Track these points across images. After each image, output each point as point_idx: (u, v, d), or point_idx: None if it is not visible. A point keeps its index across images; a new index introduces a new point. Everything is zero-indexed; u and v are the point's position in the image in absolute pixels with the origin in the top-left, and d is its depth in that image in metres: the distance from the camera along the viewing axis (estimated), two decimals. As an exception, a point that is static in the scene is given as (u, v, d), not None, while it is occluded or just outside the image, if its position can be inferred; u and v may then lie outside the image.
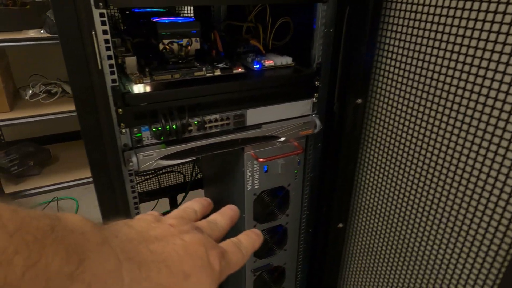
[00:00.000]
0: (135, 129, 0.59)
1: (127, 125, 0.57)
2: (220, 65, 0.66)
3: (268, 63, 0.71)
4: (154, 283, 0.20)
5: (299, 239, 0.89)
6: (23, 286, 0.15)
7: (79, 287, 0.16)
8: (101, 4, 0.48)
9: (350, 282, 0.85)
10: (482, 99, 0.46)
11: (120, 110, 0.56)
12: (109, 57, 0.52)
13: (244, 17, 0.83)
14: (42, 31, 1.52)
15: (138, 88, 0.59)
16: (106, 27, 0.50)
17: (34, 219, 0.16)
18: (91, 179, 1.78)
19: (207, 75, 0.63)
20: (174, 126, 0.59)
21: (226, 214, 0.31)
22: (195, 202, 0.31)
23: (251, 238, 0.29)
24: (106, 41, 0.50)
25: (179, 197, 1.36)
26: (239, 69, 0.66)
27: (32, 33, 1.50)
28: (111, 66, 0.52)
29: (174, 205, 1.35)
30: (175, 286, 0.22)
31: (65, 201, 1.68)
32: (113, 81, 0.53)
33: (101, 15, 0.49)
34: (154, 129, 0.59)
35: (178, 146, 0.62)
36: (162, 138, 0.60)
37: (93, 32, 0.45)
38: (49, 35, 1.50)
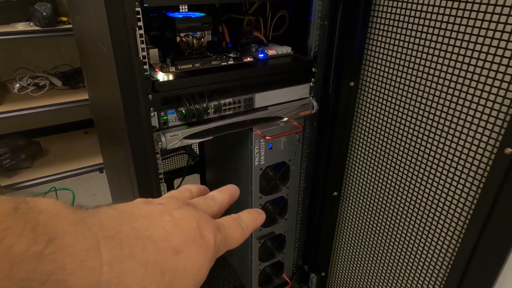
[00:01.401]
0: (162, 113, 0.67)
1: (155, 109, 0.65)
2: (231, 55, 0.75)
3: (271, 52, 0.80)
4: (139, 260, 0.19)
5: (297, 209, 1.00)
6: None
7: (50, 267, 0.15)
8: (137, 3, 0.56)
9: (343, 246, 0.97)
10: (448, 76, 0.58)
11: (150, 96, 0.63)
12: (142, 49, 0.59)
13: (242, 11, 0.91)
14: (31, 24, 1.53)
15: (163, 76, 0.67)
16: (141, 23, 0.57)
17: None
18: (83, 170, 1.84)
19: (222, 64, 0.72)
20: (196, 109, 0.68)
21: (225, 190, 0.29)
22: (191, 185, 0.29)
23: (252, 215, 0.28)
24: (140, 35, 0.58)
25: (176, 182, 1.44)
26: (248, 58, 0.75)
27: (21, 26, 1.51)
28: (143, 57, 0.60)
29: (171, 189, 1.42)
30: (164, 263, 0.20)
31: (61, 191, 1.71)
32: (145, 70, 0.61)
33: (137, 12, 0.56)
34: (179, 112, 0.67)
35: (198, 127, 0.70)
36: (186, 120, 0.68)
37: (136, 28, 0.53)
38: (38, 27, 1.52)
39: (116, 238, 0.19)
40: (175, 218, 0.22)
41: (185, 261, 0.21)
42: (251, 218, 0.27)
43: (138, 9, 0.56)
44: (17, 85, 1.77)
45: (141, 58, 0.57)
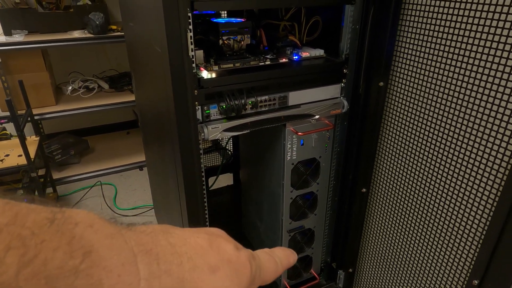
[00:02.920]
0: (205, 107, 0.74)
1: (200, 103, 0.73)
2: (268, 56, 0.82)
3: (305, 54, 0.86)
4: (175, 277, 0.19)
5: (327, 205, 1.05)
6: (20, 286, 0.13)
7: (86, 282, 0.15)
8: (188, 9, 0.64)
9: (371, 242, 1.00)
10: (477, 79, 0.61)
11: (196, 91, 0.71)
12: (191, 49, 0.67)
13: (279, 17, 0.98)
14: (85, 32, 1.69)
15: (207, 74, 0.75)
16: (191, 27, 0.65)
17: (32, 211, 0.15)
18: (125, 167, 1.97)
19: (260, 64, 0.79)
20: (235, 104, 0.75)
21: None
22: None
23: (285, 252, 0.27)
24: (190, 37, 0.66)
25: (211, 180, 1.52)
26: (284, 60, 0.82)
27: (76, 34, 1.67)
28: (192, 56, 0.68)
29: (206, 187, 1.50)
30: (201, 281, 0.19)
31: (105, 186, 1.85)
32: (193, 68, 0.69)
33: (188, 17, 0.65)
34: (220, 107, 0.74)
35: (237, 121, 0.77)
36: (226, 114, 0.75)
37: (188, 30, 0.61)
38: (91, 35, 1.67)
39: (153, 253, 0.18)
40: (211, 236, 0.22)
41: (222, 281, 0.20)
42: (284, 255, 0.27)
43: (189, 14, 0.64)
44: (70, 87, 1.94)
45: (191, 57, 0.65)
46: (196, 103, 0.72)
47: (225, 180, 1.61)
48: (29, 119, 1.56)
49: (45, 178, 1.64)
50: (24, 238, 0.14)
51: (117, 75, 2.10)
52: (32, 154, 1.45)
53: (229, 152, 1.62)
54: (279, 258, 0.26)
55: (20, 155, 1.44)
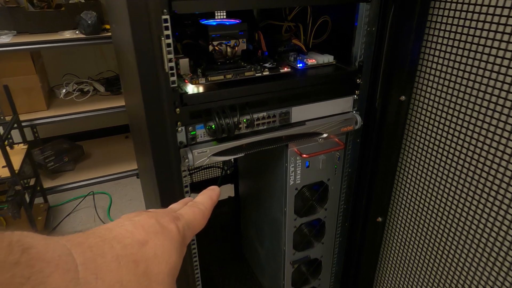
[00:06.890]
0: (190, 128, 0.62)
1: (183, 123, 0.61)
2: (267, 65, 0.69)
3: (311, 61, 0.73)
4: (110, 256, 0.21)
5: (335, 232, 0.92)
6: None
7: (28, 271, 0.17)
8: (165, 10, 0.51)
9: (387, 277, 0.87)
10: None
11: (178, 109, 0.59)
12: (170, 60, 0.55)
13: (281, 17, 0.85)
14: (77, 32, 1.58)
15: (192, 89, 0.62)
16: (169, 32, 0.53)
17: None
18: (122, 174, 1.85)
19: (257, 75, 0.66)
20: (227, 124, 0.62)
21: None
22: (177, 203, 0.31)
23: (206, 194, 0.31)
24: (168, 45, 0.54)
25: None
26: (285, 69, 0.69)
27: (67, 34, 1.56)
28: (171, 68, 0.55)
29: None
30: (134, 255, 0.22)
31: (99, 195, 1.74)
32: (172, 82, 0.57)
33: (165, 20, 0.52)
34: (208, 127, 0.62)
35: (229, 143, 0.65)
36: (216, 135, 0.63)
37: (162, 38, 0.49)
38: (84, 35, 1.56)
39: (84, 244, 0.20)
40: (134, 221, 0.24)
41: (154, 249, 0.23)
42: (206, 198, 0.30)
43: (166, 16, 0.52)
44: (64, 90, 1.83)
45: (167, 70, 0.52)
46: (179, 123, 0.60)
47: (226, 190, 1.49)
48: (15, 125, 1.46)
49: (34, 188, 1.54)
50: None
51: (113, 77, 1.99)
52: (17, 164, 1.35)
53: (231, 161, 1.49)
54: (202, 205, 0.29)
55: (5, 166, 1.33)
